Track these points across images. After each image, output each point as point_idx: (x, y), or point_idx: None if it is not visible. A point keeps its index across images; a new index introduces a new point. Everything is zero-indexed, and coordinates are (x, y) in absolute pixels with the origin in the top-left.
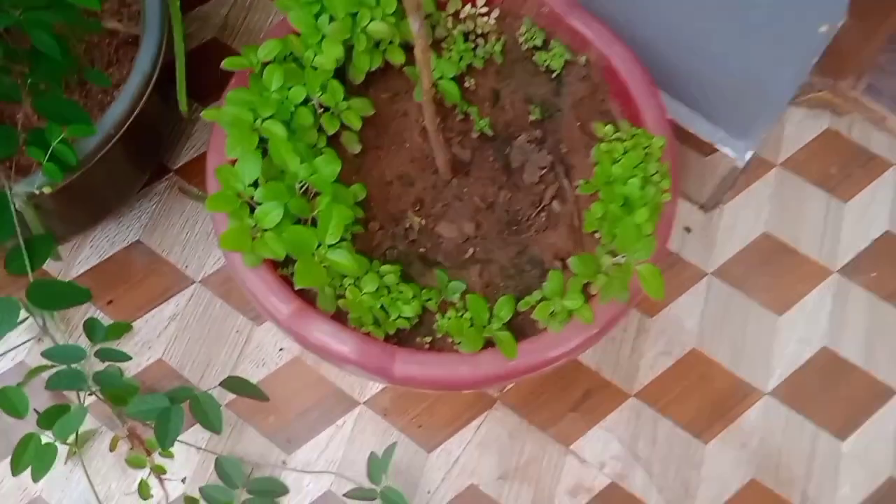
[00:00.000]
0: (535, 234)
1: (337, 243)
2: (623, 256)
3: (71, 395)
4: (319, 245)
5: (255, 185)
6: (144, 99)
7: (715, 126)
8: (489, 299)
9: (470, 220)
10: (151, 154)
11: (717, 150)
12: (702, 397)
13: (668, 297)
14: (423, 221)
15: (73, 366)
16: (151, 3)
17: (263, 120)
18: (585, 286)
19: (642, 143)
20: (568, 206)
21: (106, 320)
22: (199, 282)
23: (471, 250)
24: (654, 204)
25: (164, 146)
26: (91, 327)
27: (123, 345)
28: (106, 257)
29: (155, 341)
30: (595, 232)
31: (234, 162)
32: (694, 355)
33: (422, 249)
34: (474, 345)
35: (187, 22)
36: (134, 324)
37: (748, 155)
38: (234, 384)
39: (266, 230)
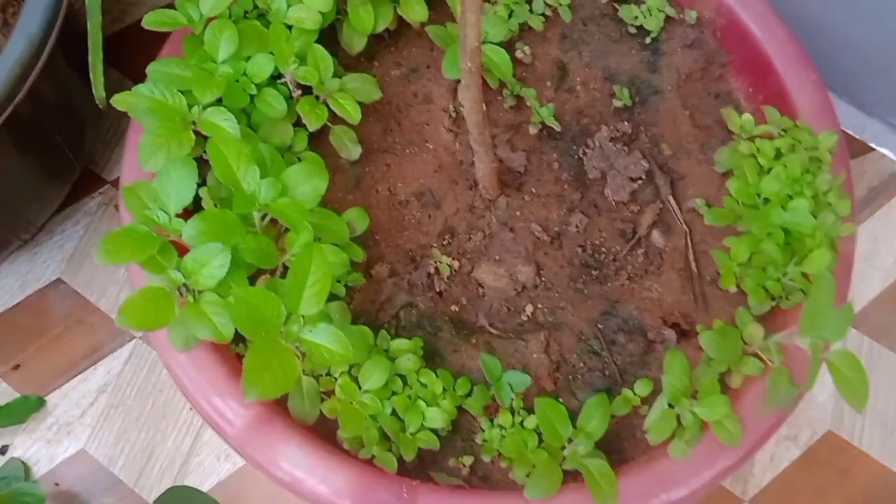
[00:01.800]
0: (627, 282)
1: (319, 313)
2: (794, 333)
3: None
4: (289, 316)
5: (192, 213)
6: (34, 77)
7: (869, 116)
8: (560, 392)
9: (526, 261)
10: (69, 158)
11: (871, 151)
12: (845, 502)
13: None
14: (456, 263)
15: None
16: None
17: (204, 108)
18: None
19: (804, 142)
20: (676, 238)
21: (10, 392)
22: (140, 337)
23: (529, 308)
24: (830, 241)
25: (92, 147)
26: None
27: (32, 429)
28: (13, 304)
29: (76, 423)
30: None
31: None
32: (830, 441)
33: (454, 307)
34: (548, 483)
35: None
36: (48, 398)
37: None
38: (178, 500)
39: (202, 291)
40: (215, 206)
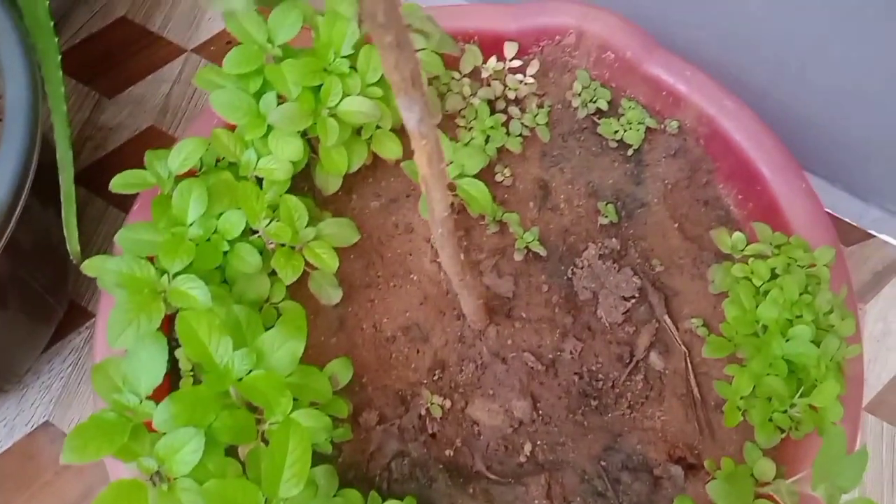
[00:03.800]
0: (628, 411)
1: (300, 493)
2: (806, 480)
3: None
4: (269, 500)
5: (170, 382)
6: (6, 238)
7: (866, 204)
8: None
9: (521, 394)
10: (51, 304)
11: (871, 238)
12: None
13: None
14: (448, 402)
15: None
16: (14, 93)
17: (174, 275)
18: None
19: (798, 259)
20: (676, 359)
21: None
22: None
23: (528, 446)
24: (837, 366)
25: (77, 282)
26: None
27: None
28: (1, 451)
29: None
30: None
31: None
32: None
33: (448, 451)
34: None
35: (117, 108)
36: None
37: None
38: None
39: (177, 478)
40: (192, 370)
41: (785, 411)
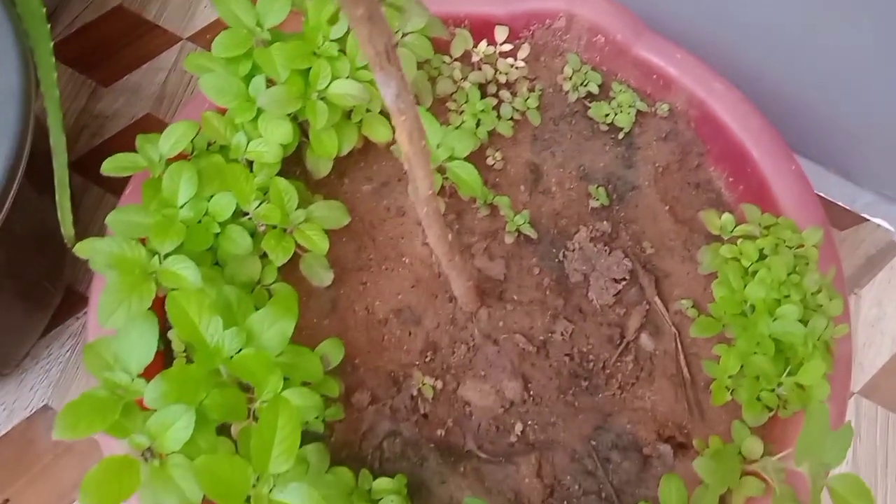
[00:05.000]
0: (618, 392)
1: (290, 469)
2: (792, 456)
3: None
4: (260, 476)
5: (163, 359)
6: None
7: (859, 188)
8: None
9: (512, 375)
10: (48, 290)
11: (864, 221)
12: None
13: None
14: (440, 383)
15: None
16: (7, 78)
17: (165, 256)
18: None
19: (787, 240)
20: (666, 340)
21: None
22: None
23: (518, 426)
24: (824, 346)
25: (74, 268)
26: None
27: None
28: (0, 434)
29: None
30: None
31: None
32: None
33: (440, 431)
34: None
35: (113, 97)
36: None
37: None
38: None
39: (168, 454)
40: (185, 351)
41: (772, 390)
